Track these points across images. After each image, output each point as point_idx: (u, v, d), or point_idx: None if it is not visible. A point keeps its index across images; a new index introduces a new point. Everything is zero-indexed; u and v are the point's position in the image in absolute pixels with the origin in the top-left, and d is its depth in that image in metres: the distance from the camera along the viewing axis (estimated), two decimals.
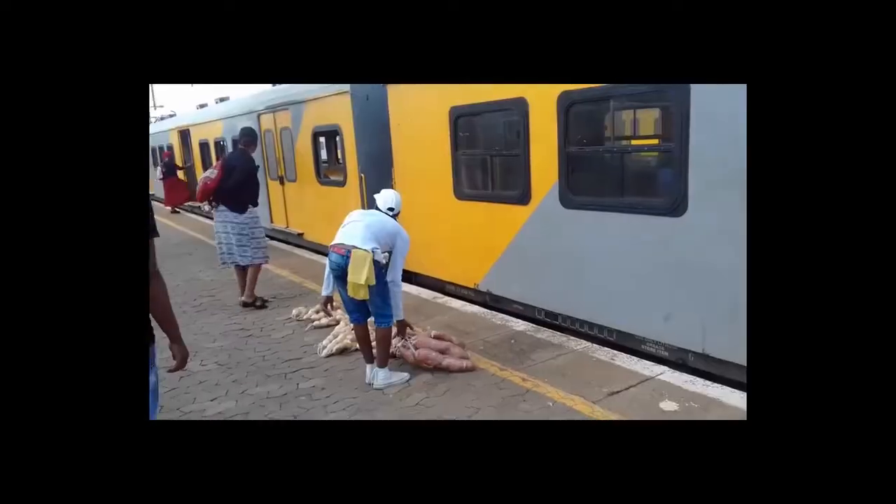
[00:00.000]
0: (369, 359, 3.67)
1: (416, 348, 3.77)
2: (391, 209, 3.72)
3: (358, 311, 3.62)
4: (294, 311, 5.13)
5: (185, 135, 13.65)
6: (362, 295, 3.36)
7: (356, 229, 3.47)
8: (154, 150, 16.02)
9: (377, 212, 3.68)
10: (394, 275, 3.59)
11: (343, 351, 4.15)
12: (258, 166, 5.89)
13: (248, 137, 5.69)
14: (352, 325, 3.76)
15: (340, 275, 3.42)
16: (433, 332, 4.03)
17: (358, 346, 3.81)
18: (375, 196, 3.83)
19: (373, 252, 3.36)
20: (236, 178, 5.37)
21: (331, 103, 6.97)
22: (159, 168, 13.99)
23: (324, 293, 3.69)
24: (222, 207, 5.45)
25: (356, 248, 3.35)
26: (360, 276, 3.29)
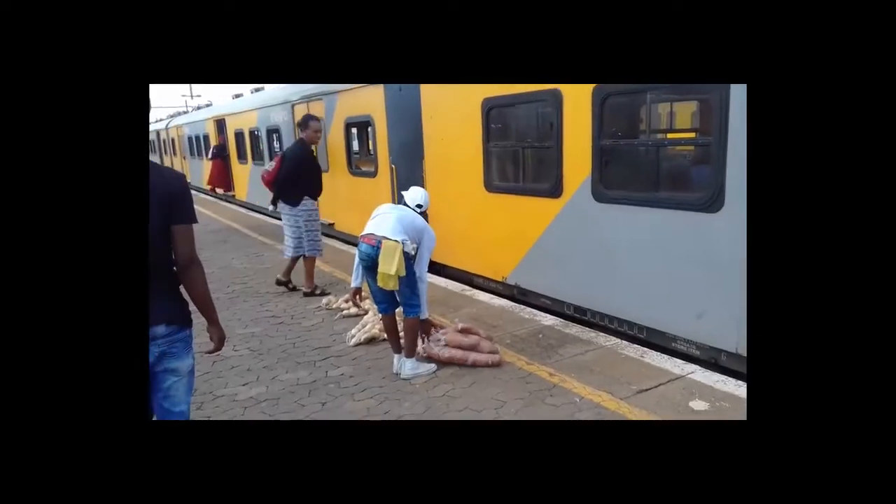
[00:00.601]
0: (397, 349, 3.70)
1: (445, 345, 3.78)
2: (419, 206, 3.74)
3: (386, 301, 3.65)
4: (324, 300, 5.21)
5: (220, 124, 13.92)
6: (392, 285, 3.38)
7: (387, 221, 3.49)
8: (203, 137, 16.21)
9: (406, 207, 3.70)
10: (420, 270, 3.61)
11: (371, 340, 4.20)
12: (314, 157, 5.67)
13: (300, 125, 5.55)
14: (380, 315, 3.80)
15: (370, 265, 3.45)
16: (460, 325, 4.03)
17: (385, 335, 3.84)
18: (403, 193, 3.85)
19: (402, 243, 3.38)
20: (285, 170, 5.31)
21: (364, 94, 7.01)
22: (211, 150, 14.34)
23: (353, 284, 3.73)
24: (281, 200, 5.44)
25: (386, 238, 3.37)
26: (390, 266, 3.31)
